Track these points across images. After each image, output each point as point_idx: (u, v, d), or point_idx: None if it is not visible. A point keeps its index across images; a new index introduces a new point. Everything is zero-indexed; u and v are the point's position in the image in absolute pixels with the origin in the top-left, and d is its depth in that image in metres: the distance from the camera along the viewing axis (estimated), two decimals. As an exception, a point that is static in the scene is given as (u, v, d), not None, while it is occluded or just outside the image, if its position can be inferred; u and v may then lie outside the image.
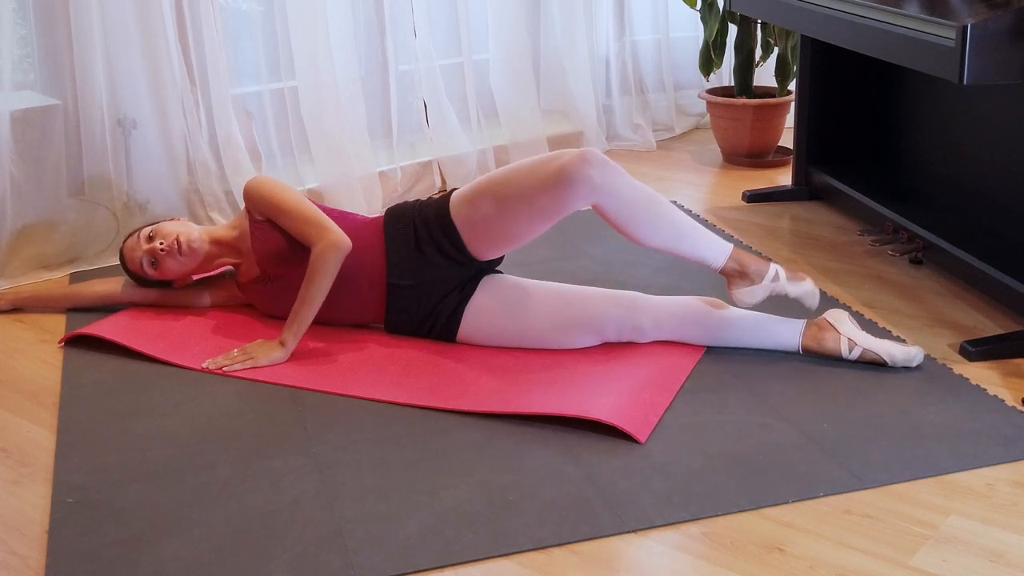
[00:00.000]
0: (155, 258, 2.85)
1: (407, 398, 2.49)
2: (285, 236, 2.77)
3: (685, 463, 2.21)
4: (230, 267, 3.00)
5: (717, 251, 2.59)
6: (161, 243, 2.83)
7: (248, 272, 2.87)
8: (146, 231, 2.89)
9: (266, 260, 2.79)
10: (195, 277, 3.01)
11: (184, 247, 2.84)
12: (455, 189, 2.73)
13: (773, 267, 2.62)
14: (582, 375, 2.55)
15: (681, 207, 3.83)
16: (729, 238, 3.50)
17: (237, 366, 2.64)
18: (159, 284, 2.96)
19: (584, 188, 2.52)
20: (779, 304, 2.95)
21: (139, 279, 2.94)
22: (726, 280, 2.63)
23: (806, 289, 2.64)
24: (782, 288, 2.61)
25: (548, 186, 2.54)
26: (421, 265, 2.69)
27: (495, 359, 2.65)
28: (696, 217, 3.72)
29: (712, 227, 3.61)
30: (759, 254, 3.37)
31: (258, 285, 2.85)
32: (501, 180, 2.62)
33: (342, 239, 2.66)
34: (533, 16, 4.48)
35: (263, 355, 2.65)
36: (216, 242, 2.90)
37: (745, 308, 2.61)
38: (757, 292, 2.60)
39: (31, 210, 3.35)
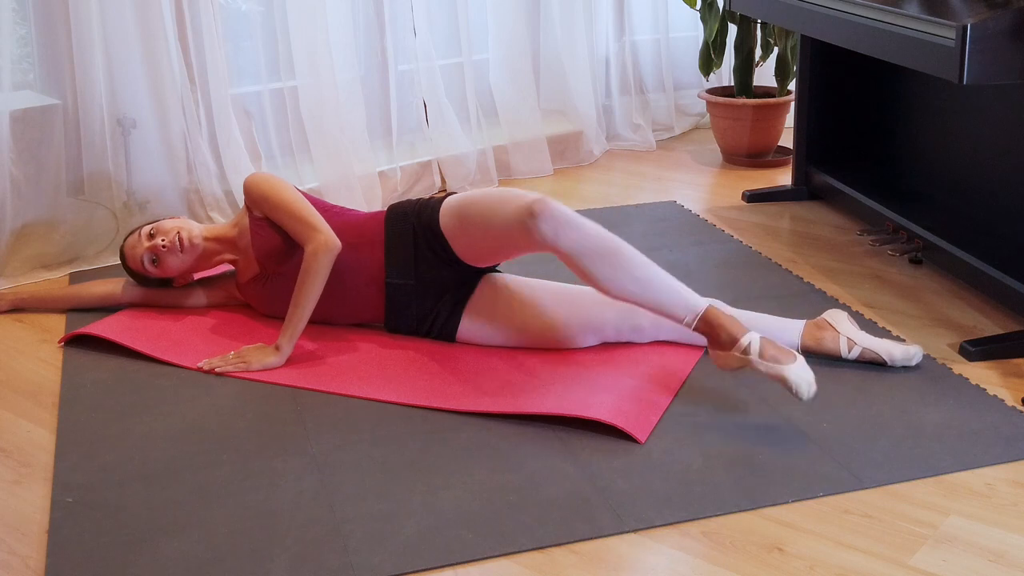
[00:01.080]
0: (156, 255, 2.86)
1: (407, 398, 2.49)
2: (283, 233, 2.77)
3: (685, 463, 2.21)
4: (230, 267, 3.00)
5: (685, 308, 2.39)
6: (162, 240, 2.84)
7: (247, 271, 2.87)
8: (147, 229, 2.89)
9: (265, 257, 2.80)
10: (196, 276, 3.02)
11: (185, 243, 2.84)
12: (450, 194, 2.72)
13: (748, 338, 2.34)
14: (582, 375, 2.55)
15: (681, 207, 3.83)
16: (729, 239, 3.50)
17: (230, 368, 2.64)
18: (160, 282, 2.96)
19: (536, 240, 2.46)
20: (778, 305, 2.95)
21: (140, 277, 2.94)
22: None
23: (789, 373, 2.29)
24: (756, 365, 2.32)
25: (510, 227, 2.50)
26: (419, 266, 2.69)
27: (495, 359, 2.65)
28: (696, 217, 3.72)
29: (712, 227, 3.61)
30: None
31: (257, 283, 2.85)
32: (476, 208, 2.58)
33: (331, 240, 2.66)
34: (533, 16, 4.48)
35: (257, 360, 2.65)
36: (216, 239, 2.90)
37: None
38: (728, 361, 2.36)
39: (31, 210, 3.35)
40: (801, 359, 2.32)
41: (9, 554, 2.00)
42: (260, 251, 2.80)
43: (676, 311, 2.41)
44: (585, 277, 2.45)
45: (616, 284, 2.42)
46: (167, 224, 2.89)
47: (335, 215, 2.80)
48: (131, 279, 2.99)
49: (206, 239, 2.89)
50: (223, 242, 2.90)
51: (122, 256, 2.93)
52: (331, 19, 3.78)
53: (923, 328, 2.84)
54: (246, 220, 2.85)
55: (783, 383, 2.30)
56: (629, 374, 2.54)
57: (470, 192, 2.66)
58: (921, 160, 3.56)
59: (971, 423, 2.35)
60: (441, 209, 2.66)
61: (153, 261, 2.87)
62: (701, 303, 2.41)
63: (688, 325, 2.41)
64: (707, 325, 2.39)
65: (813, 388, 2.29)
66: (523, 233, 2.47)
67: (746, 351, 2.33)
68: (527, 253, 2.59)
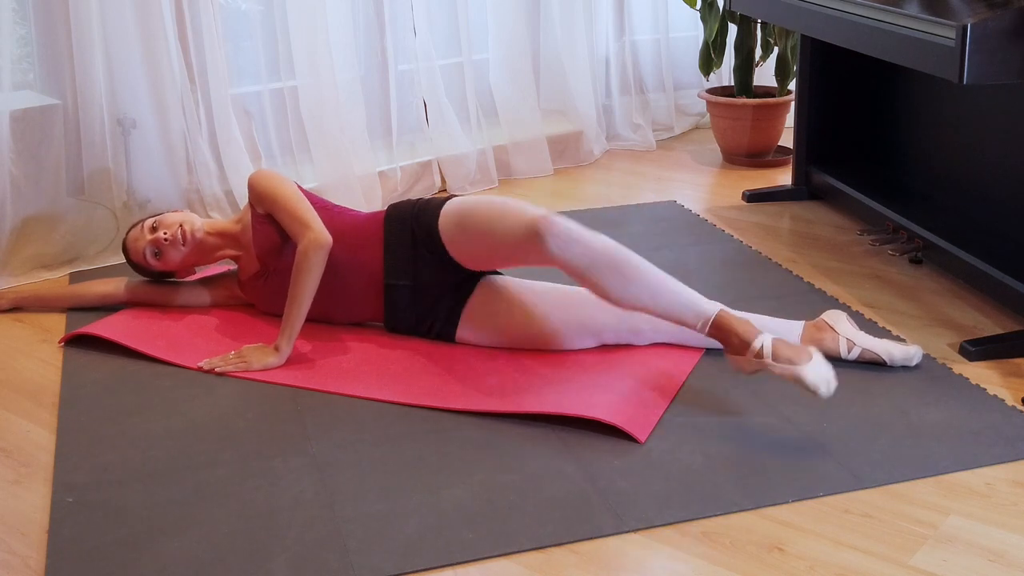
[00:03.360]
0: (158, 248, 2.86)
1: (407, 398, 2.49)
2: (282, 230, 2.78)
3: (685, 463, 2.21)
4: (232, 266, 3.00)
5: (695, 315, 2.38)
6: (164, 233, 2.84)
7: (249, 267, 2.88)
8: (149, 222, 2.90)
9: (265, 254, 2.80)
10: (197, 273, 3.02)
11: (187, 237, 2.85)
12: (451, 197, 2.71)
13: (760, 341, 2.31)
14: (582, 375, 2.55)
15: (681, 207, 3.83)
16: (729, 239, 3.50)
17: (230, 368, 2.64)
18: (161, 275, 2.97)
19: (544, 257, 2.46)
20: (778, 305, 2.95)
21: (142, 270, 2.95)
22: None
23: (805, 373, 2.26)
24: (771, 368, 2.29)
25: (515, 241, 2.49)
26: (418, 266, 2.69)
27: (495, 359, 2.65)
28: (696, 217, 3.72)
29: (712, 227, 3.61)
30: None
31: (258, 280, 2.86)
32: (476, 219, 2.57)
33: (321, 236, 2.66)
34: (533, 16, 4.48)
35: (257, 360, 2.65)
36: (218, 234, 2.91)
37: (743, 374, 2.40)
38: (744, 365, 2.35)
39: (31, 210, 3.35)
40: (818, 356, 2.28)
41: (9, 554, 2.00)
42: (260, 247, 2.80)
43: (687, 318, 2.40)
44: (595, 290, 2.44)
45: (627, 295, 2.41)
46: (170, 217, 2.90)
47: (336, 215, 2.80)
48: (133, 276, 2.99)
49: (208, 233, 2.90)
50: (225, 237, 2.91)
51: (124, 249, 2.94)
52: (331, 19, 3.78)
53: (923, 328, 2.84)
54: (249, 217, 2.86)
55: (800, 384, 2.26)
56: (629, 374, 2.54)
57: (470, 200, 2.64)
58: (921, 160, 3.56)
59: (971, 423, 2.35)
60: (440, 214, 2.65)
61: (155, 254, 2.88)
62: (711, 309, 2.39)
63: (700, 331, 2.40)
64: (718, 330, 2.37)
65: (832, 385, 2.26)
66: (529, 249, 2.47)
67: (759, 354, 2.30)
68: (531, 266, 2.58)
